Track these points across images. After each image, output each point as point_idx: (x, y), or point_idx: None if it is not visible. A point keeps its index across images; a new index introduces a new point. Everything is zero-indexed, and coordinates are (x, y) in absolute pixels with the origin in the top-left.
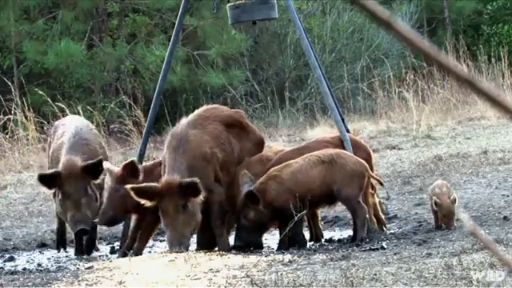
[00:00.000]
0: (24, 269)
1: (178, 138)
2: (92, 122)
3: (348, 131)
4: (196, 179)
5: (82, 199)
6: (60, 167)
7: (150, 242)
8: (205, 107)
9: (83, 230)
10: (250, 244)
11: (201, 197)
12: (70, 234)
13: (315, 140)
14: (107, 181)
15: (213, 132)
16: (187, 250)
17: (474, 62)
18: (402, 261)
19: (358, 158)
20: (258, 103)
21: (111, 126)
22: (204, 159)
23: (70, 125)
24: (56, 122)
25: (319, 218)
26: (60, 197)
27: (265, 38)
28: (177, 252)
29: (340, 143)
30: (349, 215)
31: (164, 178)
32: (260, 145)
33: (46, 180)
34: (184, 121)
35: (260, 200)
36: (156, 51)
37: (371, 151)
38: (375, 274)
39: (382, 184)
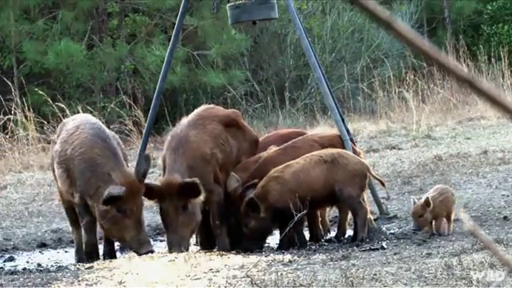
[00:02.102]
0: (24, 269)
1: (177, 138)
2: None
3: (348, 131)
4: (196, 179)
5: (142, 218)
6: (122, 183)
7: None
8: (203, 107)
9: (151, 251)
10: (253, 249)
11: (201, 197)
12: (70, 235)
13: (302, 138)
14: None
15: (213, 132)
16: (187, 250)
17: (474, 62)
18: (402, 261)
19: (359, 158)
20: (258, 103)
21: (111, 126)
22: (204, 160)
23: (89, 123)
24: (64, 120)
25: (320, 219)
26: (117, 214)
27: (265, 38)
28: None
29: (328, 144)
30: (349, 215)
31: (164, 178)
32: (255, 145)
33: (113, 199)
34: (184, 121)
35: (260, 208)
36: (156, 51)
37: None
38: (375, 274)
39: (383, 184)
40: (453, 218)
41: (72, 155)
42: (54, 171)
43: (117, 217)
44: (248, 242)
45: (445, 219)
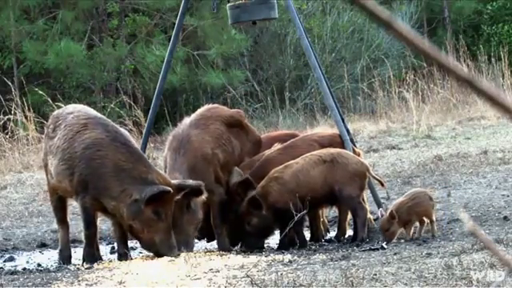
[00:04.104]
0: (24, 269)
1: (179, 138)
2: None
3: (348, 131)
4: (200, 182)
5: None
6: (159, 183)
7: None
8: (206, 107)
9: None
10: (256, 248)
11: (203, 197)
12: (72, 234)
13: (301, 138)
14: None
15: (214, 132)
16: (192, 250)
17: (474, 62)
18: (402, 261)
19: (359, 158)
20: (258, 103)
21: None
22: (205, 160)
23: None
24: (57, 113)
25: (321, 219)
26: (152, 216)
27: (265, 38)
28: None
29: (328, 144)
30: (349, 215)
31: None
32: (258, 145)
33: (157, 197)
34: (186, 121)
35: (262, 205)
36: (156, 51)
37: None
38: (375, 274)
39: (382, 184)
40: (434, 219)
41: (84, 155)
42: (46, 167)
43: (151, 218)
44: (250, 240)
45: (428, 222)
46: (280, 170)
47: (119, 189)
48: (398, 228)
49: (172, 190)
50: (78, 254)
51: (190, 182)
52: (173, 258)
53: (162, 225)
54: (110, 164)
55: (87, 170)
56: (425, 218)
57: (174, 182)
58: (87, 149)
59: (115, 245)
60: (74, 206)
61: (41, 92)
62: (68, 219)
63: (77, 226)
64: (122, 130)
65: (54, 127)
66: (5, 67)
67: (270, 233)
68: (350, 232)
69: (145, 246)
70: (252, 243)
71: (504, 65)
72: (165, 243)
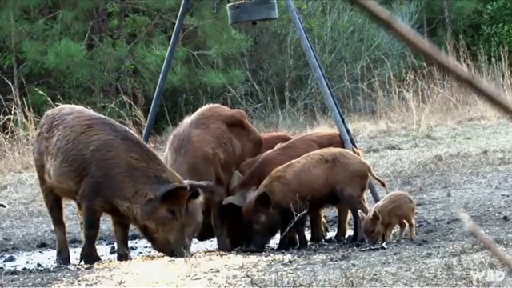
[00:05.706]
0: (24, 269)
1: (180, 138)
2: None
3: (348, 131)
4: (211, 183)
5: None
6: (177, 181)
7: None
8: (207, 106)
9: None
10: (263, 247)
11: (200, 198)
12: (72, 234)
13: (300, 138)
14: None
15: (215, 132)
16: (188, 250)
17: (474, 62)
18: (402, 261)
19: (360, 158)
20: (258, 103)
21: None
22: (206, 160)
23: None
24: (51, 113)
25: (322, 219)
26: (167, 214)
27: (265, 37)
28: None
29: (327, 143)
30: (349, 215)
31: None
32: (259, 145)
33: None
34: (187, 120)
35: (271, 202)
36: (156, 51)
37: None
38: (375, 274)
39: (383, 185)
40: (414, 222)
41: (95, 157)
42: (41, 167)
43: (166, 217)
44: (257, 239)
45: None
46: (282, 169)
47: (133, 189)
48: (382, 229)
49: (188, 187)
50: (77, 254)
51: (201, 182)
52: (173, 258)
53: (176, 224)
54: (123, 164)
55: (100, 172)
56: (405, 221)
57: (185, 181)
58: (97, 150)
59: (115, 245)
60: (73, 205)
61: (41, 92)
62: (64, 219)
63: (77, 226)
64: (124, 126)
65: (50, 127)
66: (5, 67)
67: (276, 231)
68: (350, 232)
69: (159, 246)
70: (260, 242)
71: (504, 65)
72: (179, 243)
